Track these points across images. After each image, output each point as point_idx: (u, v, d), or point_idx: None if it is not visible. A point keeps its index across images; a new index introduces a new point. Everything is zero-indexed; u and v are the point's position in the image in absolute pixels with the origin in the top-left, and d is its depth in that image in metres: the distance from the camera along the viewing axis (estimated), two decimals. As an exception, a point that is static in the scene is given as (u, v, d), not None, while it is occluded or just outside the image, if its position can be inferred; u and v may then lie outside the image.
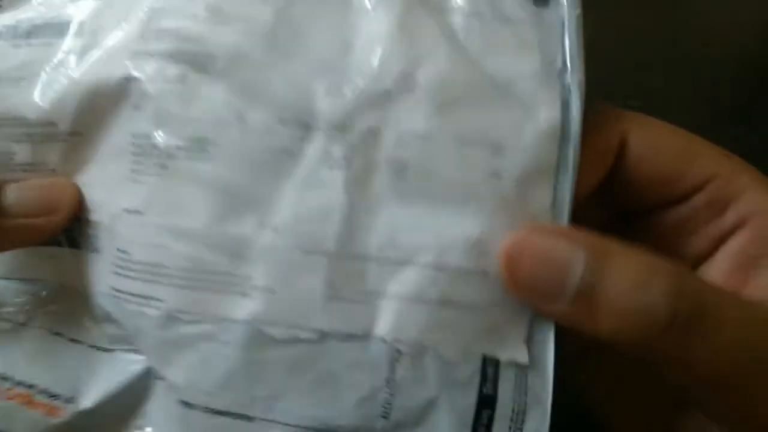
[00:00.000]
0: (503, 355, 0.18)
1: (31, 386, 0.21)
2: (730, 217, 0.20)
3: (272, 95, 0.19)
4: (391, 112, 0.19)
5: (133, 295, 0.20)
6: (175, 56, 0.20)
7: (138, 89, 0.20)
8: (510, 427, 0.18)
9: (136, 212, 0.20)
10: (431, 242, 0.18)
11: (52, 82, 0.21)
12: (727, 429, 0.19)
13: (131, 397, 0.21)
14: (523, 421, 0.18)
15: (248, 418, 0.19)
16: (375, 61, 0.19)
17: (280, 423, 0.19)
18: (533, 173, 0.19)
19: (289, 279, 0.19)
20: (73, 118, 0.21)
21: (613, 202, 0.21)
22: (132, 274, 0.20)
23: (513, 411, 0.18)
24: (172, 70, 0.20)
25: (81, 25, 0.22)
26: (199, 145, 0.19)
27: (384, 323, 0.18)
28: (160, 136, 0.20)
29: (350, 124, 0.19)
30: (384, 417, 0.18)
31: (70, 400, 0.21)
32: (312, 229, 0.19)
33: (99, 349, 0.21)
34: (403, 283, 0.19)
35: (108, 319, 0.21)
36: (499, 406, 0.18)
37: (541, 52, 0.20)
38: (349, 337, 0.18)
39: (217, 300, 0.19)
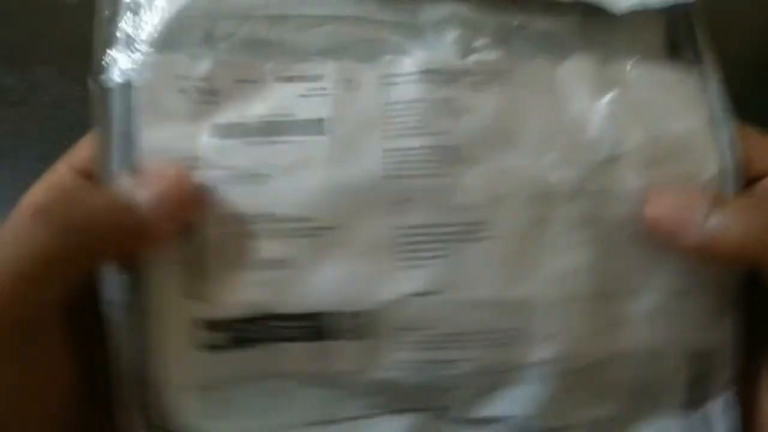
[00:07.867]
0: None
1: None
2: None
3: (515, 174, 0.22)
4: (613, 174, 0.23)
5: (435, 362, 0.22)
6: (427, 151, 0.22)
7: (399, 185, 0.22)
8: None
9: (429, 293, 0.22)
10: (659, 273, 0.23)
11: (302, 178, 0.22)
12: None
13: None
14: None
15: (572, 427, 0.23)
16: (591, 135, 0.23)
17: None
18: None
19: (568, 325, 0.23)
20: (326, 213, 0.22)
21: None
22: (435, 345, 0.22)
23: None
24: (431, 165, 0.22)
25: (324, 122, 0.22)
26: (476, 227, 0.22)
27: (635, 339, 0.23)
28: (437, 226, 0.22)
29: (584, 188, 0.23)
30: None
31: None
32: (578, 281, 0.23)
33: (362, 417, 0.23)
34: (641, 305, 0.23)
35: (378, 392, 0.23)
36: None
37: (698, 110, 0.24)
38: (615, 353, 0.23)
39: (516, 351, 0.22)
